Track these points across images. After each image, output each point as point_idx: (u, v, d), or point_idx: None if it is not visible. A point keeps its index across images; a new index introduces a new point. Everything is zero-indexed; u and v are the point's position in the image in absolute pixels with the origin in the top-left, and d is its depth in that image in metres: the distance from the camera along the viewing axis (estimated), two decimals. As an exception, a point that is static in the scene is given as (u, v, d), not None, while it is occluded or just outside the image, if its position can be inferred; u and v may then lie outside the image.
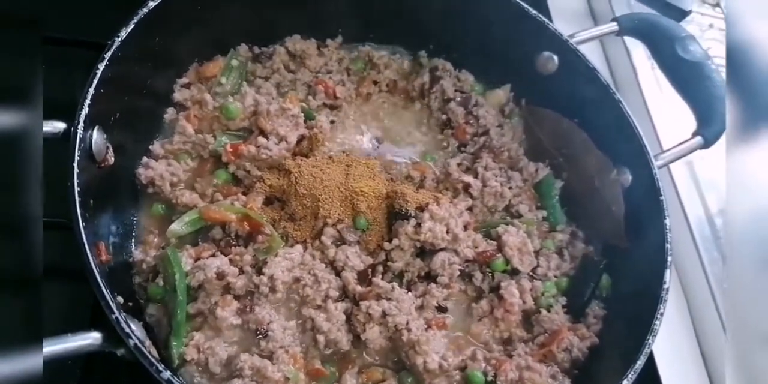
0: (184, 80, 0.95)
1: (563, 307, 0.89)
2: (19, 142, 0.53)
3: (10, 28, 0.56)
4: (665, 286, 0.78)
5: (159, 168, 0.87)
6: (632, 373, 0.70)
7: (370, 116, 1.05)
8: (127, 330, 0.59)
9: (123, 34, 0.76)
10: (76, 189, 0.64)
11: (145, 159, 0.88)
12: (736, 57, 0.66)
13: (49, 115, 0.72)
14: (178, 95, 0.93)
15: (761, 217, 0.56)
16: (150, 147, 0.90)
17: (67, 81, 1.01)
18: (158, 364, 0.58)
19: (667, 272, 0.79)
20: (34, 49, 0.56)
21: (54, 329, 0.62)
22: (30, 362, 0.47)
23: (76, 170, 0.65)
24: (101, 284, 0.61)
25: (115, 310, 0.60)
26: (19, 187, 0.52)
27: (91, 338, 0.60)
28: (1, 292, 0.49)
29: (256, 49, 1.01)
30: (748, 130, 0.61)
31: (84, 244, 0.62)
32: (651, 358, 0.94)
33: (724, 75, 1.00)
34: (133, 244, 0.85)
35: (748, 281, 0.55)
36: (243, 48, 1.00)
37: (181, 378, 0.62)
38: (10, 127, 0.53)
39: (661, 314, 0.75)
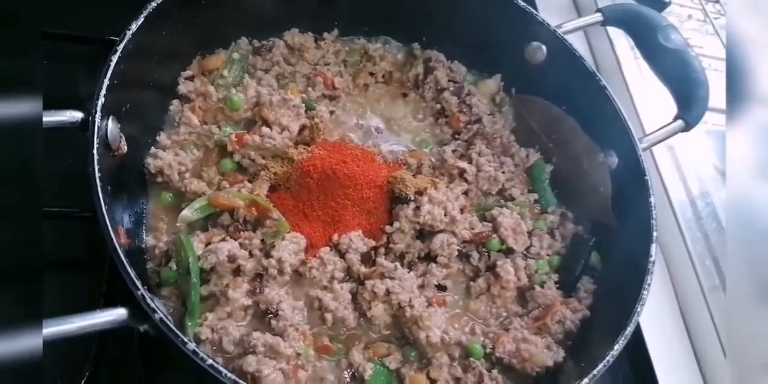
0: (188, 73, 0.98)
1: (556, 283, 0.94)
2: (20, 134, 0.55)
3: (11, 24, 0.57)
4: (651, 260, 0.83)
5: (167, 158, 0.90)
6: (623, 338, 0.75)
7: (367, 106, 1.09)
8: (153, 305, 0.62)
9: (133, 27, 0.79)
10: (97, 174, 0.67)
11: (153, 149, 0.91)
12: (734, 50, 0.70)
13: (59, 107, 0.75)
14: (183, 87, 0.96)
15: (760, 245, 0.58)
16: (157, 138, 0.92)
17: (73, 75, 1.04)
18: (184, 337, 0.62)
19: (653, 246, 0.84)
20: (35, 43, 0.57)
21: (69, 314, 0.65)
22: (31, 343, 0.49)
23: (96, 157, 0.68)
24: (125, 262, 0.64)
25: (140, 287, 0.63)
26: (21, 177, 0.54)
27: (117, 314, 0.63)
28: (4, 280, 0.51)
29: (256, 43, 1.05)
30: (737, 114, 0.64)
31: (107, 224, 0.65)
32: (637, 328, 0.99)
33: (703, 62, 1.06)
34: (144, 231, 0.88)
35: (747, 310, 0.57)
36: (243, 41, 1.04)
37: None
38: (12, 119, 0.55)
39: (649, 285, 0.80)
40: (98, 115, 0.71)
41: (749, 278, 0.59)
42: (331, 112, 1.04)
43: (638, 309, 0.78)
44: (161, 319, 0.62)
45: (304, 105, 0.99)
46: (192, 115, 0.94)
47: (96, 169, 0.68)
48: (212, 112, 0.97)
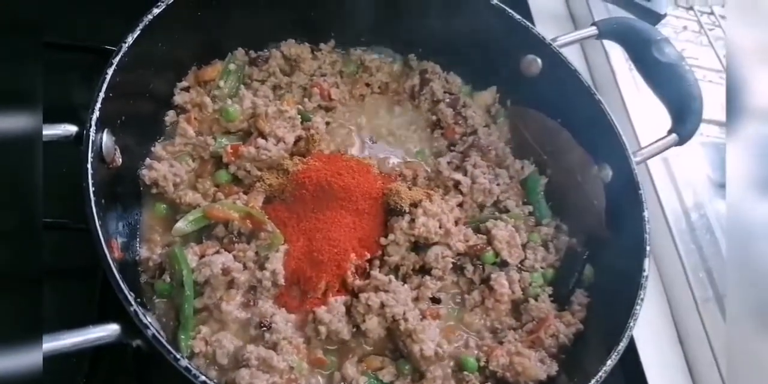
0: (184, 84, 0.98)
1: (549, 296, 0.94)
2: (20, 145, 0.55)
3: (12, 33, 0.57)
4: (645, 274, 0.83)
5: (162, 169, 0.89)
6: (615, 354, 0.75)
7: (363, 117, 1.09)
8: (145, 321, 0.62)
9: (129, 39, 0.79)
10: (91, 189, 0.67)
11: (147, 160, 0.90)
12: (733, 63, 0.71)
13: (53, 119, 0.75)
14: (179, 98, 0.96)
15: (761, 276, 0.57)
16: (152, 149, 0.92)
17: (67, 85, 1.04)
18: (176, 353, 0.62)
19: (647, 261, 0.84)
20: (36, 53, 0.57)
21: (62, 327, 0.65)
22: (30, 358, 0.48)
23: (90, 171, 0.68)
24: (119, 278, 0.64)
25: (132, 302, 0.63)
26: (21, 189, 0.54)
27: (110, 330, 0.63)
28: (2, 291, 0.51)
29: (253, 53, 1.05)
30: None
31: (100, 240, 0.65)
32: (631, 341, 0.99)
33: (697, 75, 1.06)
34: (138, 242, 0.87)
35: (748, 342, 0.57)
36: (240, 52, 1.04)
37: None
38: (12, 130, 0.55)
39: (642, 300, 0.81)
40: (93, 129, 0.71)
41: (749, 307, 0.58)
42: (327, 123, 1.04)
43: (631, 324, 0.79)
44: (153, 334, 0.62)
45: (299, 116, 0.99)
46: (187, 126, 0.94)
47: (90, 184, 0.67)
48: (208, 123, 0.97)
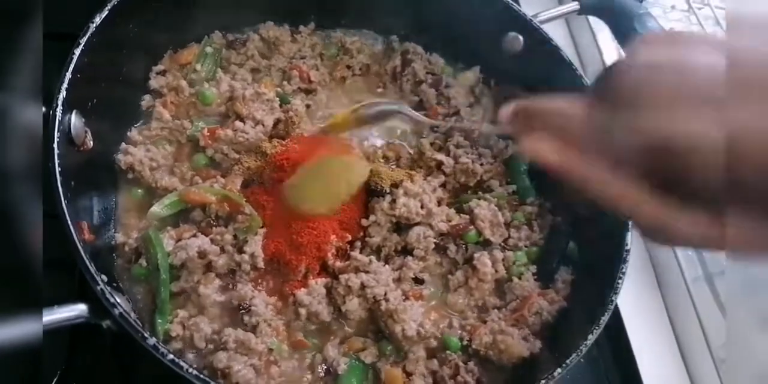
0: (160, 67, 0.97)
1: (533, 274, 0.92)
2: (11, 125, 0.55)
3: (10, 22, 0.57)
4: (627, 248, 0.82)
5: (138, 154, 0.89)
6: (596, 328, 0.74)
7: (344, 99, 1.07)
8: (112, 300, 0.61)
9: (97, 20, 0.78)
10: (57, 168, 0.66)
11: (123, 145, 0.90)
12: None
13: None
14: (154, 82, 0.95)
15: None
16: (128, 133, 0.92)
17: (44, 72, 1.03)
18: (144, 332, 0.61)
19: (629, 235, 0.82)
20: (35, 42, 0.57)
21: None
22: (31, 327, 0.49)
23: (56, 151, 0.67)
24: (85, 257, 0.63)
25: (99, 282, 0.62)
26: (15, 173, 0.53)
27: (78, 310, 0.62)
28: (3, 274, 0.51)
29: (230, 36, 1.04)
30: None
31: (66, 217, 0.64)
32: (619, 317, 0.99)
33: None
34: (113, 227, 0.87)
35: (748, 340, 0.56)
36: (217, 35, 1.02)
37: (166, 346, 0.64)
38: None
39: (624, 273, 0.79)
40: (59, 109, 0.70)
41: (750, 306, 0.57)
42: (307, 106, 1.03)
43: (613, 298, 0.77)
44: (120, 314, 0.61)
45: (278, 99, 0.98)
46: (164, 110, 0.93)
47: (56, 164, 0.67)
48: (185, 107, 0.96)
